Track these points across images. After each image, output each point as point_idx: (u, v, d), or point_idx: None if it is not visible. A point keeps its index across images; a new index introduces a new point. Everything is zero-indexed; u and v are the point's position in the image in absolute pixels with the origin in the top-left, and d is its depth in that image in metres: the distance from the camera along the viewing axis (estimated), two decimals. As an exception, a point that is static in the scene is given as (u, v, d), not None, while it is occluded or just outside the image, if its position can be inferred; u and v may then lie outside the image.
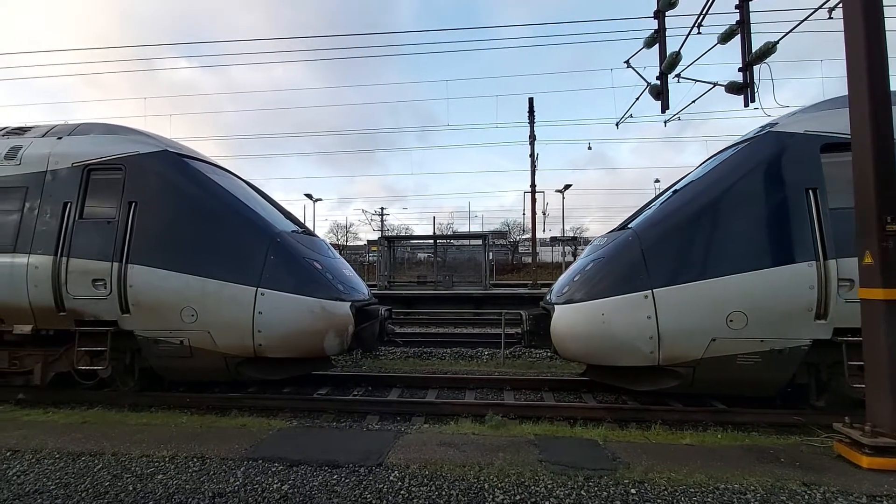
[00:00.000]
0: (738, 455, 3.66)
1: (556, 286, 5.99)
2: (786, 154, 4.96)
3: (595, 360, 5.57)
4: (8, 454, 3.80)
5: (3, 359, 5.91)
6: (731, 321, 4.70)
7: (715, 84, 8.41)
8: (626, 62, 9.89)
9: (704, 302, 4.77)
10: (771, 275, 4.67)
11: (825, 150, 4.88)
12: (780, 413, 5.01)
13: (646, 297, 4.86)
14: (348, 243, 49.81)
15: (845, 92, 4.29)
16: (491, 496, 3.03)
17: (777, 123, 5.34)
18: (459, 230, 49.37)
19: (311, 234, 7.12)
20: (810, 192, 4.76)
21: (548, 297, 5.96)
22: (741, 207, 4.93)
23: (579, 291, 5.34)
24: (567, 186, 35.30)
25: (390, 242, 24.71)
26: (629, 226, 5.67)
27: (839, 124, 4.89)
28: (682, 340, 4.83)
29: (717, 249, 4.88)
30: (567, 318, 5.32)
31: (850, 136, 4.77)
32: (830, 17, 7.94)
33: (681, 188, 5.68)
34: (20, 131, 6.44)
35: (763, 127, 5.51)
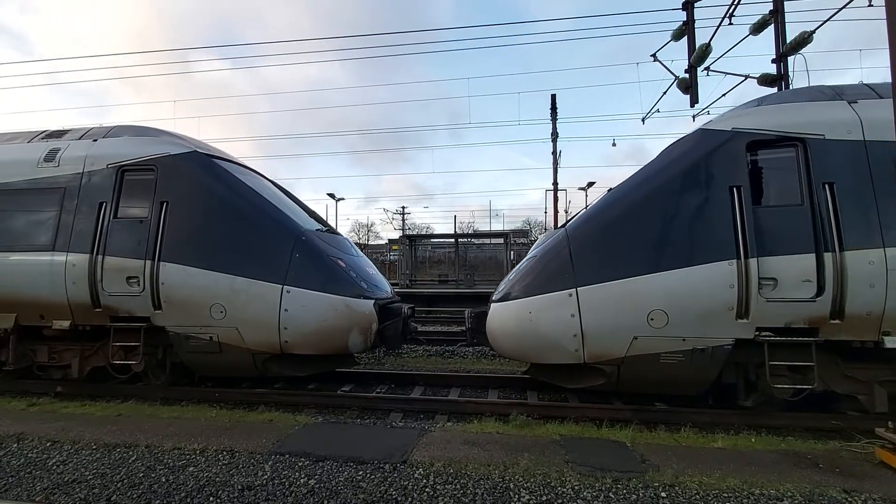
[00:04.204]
0: (774, 460, 3.54)
1: (500, 284, 6.01)
2: (711, 152, 4.86)
3: (526, 358, 5.66)
4: (48, 444, 3.96)
5: (43, 353, 6.17)
6: (651, 320, 4.65)
7: (747, 76, 8.16)
8: (653, 55, 9.69)
9: (625, 300, 4.75)
10: (690, 274, 4.61)
11: (751, 148, 4.79)
12: (818, 417, 4.82)
13: (570, 295, 4.87)
14: (370, 242, 50.26)
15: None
16: (517, 496, 3.00)
17: (710, 121, 5.28)
18: (481, 229, 49.20)
19: (335, 232, 7.19)
20: (734, 189, 4.66)
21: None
22: (663, 206, 4.87)
23: (512, 290, 5.39)
24: (590, 184, 34.73)
25: (412, 241, 24.81)
26: (566, 225, 5.68)
27: (768, 121, 4.83)
28: (605, 338, 4.83)
29: (638, 248, 4.83)
30: (499, 316, 5.39)
31: (775, 132, 4.75)
32: (871, 5, 7.61)
33: (614, 188, 5.65)
34: (58, 134, 6.69)
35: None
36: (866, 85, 5.05)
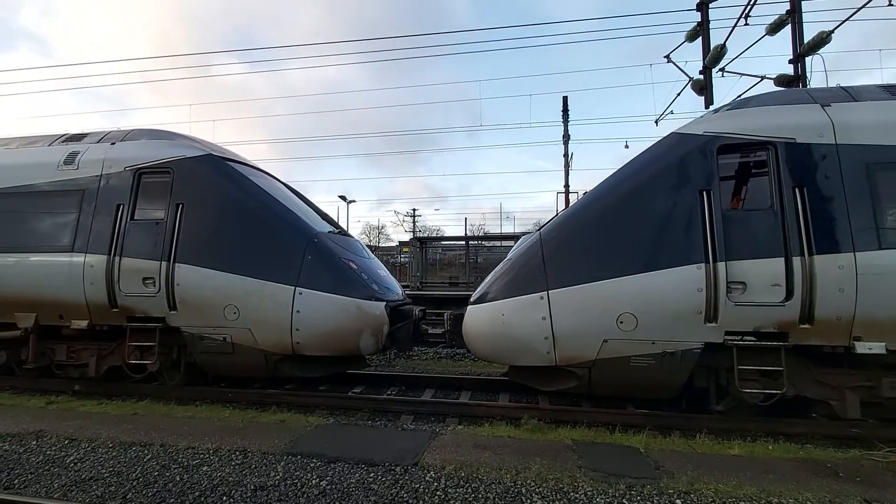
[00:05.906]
0: (792, 468, 3.47)
1: (478, 287, 6.04)
2: (683, 156, 4.83)
3: (500, 360, 5.70)
4: (66, 442, 4.03)
5: (61, 352, 6.28)
6: (621, 323, 4.66)
7: (763, 77, 8.05)
8: (667, 57, 9.60)
9: (595, 303, 4.76)
10: (658, 277, 4.59)
11: (723, 151, 4.75)
12: (838, 424, 4.71)
13: (542, 298, 4.90)
14: (381, 244, 50.40)
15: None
16: (529, 501, 2.98)
17: (685, 125, 5.25)
18: (492, 231, 49.10)
19: (346, 234, 7.23)
20: (704, 193, 4.61)
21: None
22: (633, 210, 4.86)
23: (488, 292, 5.42)
24: (602, 186, 34.51)
25: (422, 244, 24.81)
26: (541, 228, 5.69)
27: (740, 125, 4.78)
28: (575, 341, 4.86)
29: (608, 252, 4.84)
30: (474, 318, 5.44)
31: (746, 136, 4.71)
32: (891, 4, 7.46)
33: (589, 191, 5.64)
34: (77, 138, 6.83)
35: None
36: (842, 88, 5.00)
